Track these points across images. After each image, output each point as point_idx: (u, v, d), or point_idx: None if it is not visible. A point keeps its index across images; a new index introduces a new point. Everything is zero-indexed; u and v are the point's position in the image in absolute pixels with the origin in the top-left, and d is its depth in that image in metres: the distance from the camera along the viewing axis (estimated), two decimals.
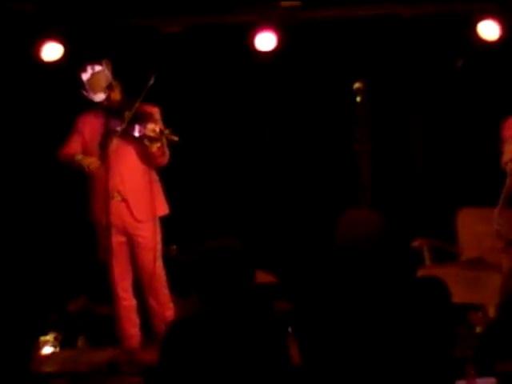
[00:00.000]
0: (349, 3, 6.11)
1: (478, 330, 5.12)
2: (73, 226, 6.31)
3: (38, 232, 6.37)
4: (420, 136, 6.66)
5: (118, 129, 5.10)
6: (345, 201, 5.94)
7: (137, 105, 5.08)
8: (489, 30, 5.92)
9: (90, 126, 5.21)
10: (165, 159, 5.22)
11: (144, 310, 5.31)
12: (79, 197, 5.40)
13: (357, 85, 5.97)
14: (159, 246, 5.27)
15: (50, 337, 5.44)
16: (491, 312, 5.32)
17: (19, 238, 6.19)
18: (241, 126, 6.66)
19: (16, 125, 6.34)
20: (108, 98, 5.11)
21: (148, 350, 4.99)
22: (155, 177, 5.28)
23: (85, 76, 5.17)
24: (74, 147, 5.24)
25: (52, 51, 6.09)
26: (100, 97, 5.12)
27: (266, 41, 6.10)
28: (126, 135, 5.12)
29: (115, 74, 5.20)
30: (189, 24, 6.21)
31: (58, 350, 5.40)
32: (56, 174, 6.23)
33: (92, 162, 5.09)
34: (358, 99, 5.97)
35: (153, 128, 5.05)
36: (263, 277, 5.86)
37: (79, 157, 5.15)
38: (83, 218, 5.38)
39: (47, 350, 5.37)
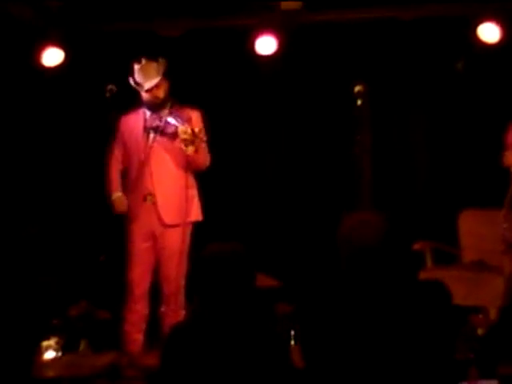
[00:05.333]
0: (349, 6, 6.11)
1: (480, 332, 5.11)
2: (74, 231, 6.32)
3: (39, 237, 6.37)
4: (421, 138, 6.66)
5: (154, 125, 5.09)
6: (346, 204, 5.94)
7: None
8: (489, 32, 5.92)
9: (129, 126, 5.18)
10: (204, 162, 5.17)
11: (150, 314, 5.28)
12: (81, 202, 5.41)
13: (357, 88, 5.94)
14: (185, 253, 5.17)
15: (51, 341, 5.44)
16: (493, 314, 5.31)
17: (21, 243, 6.19)
18: (241, 130, 6.66)
19: (17, 130, 6.34)
20: (151, 94, 5.09)
21: (151, 354, 4.98)
22: (192, 181, 5.20)
23: (137, 65, 5.14)
24: (117, 160, 5.22)
25: (53, 56, 6.09)
26: (148, 85, 5.08)
27: (266, 44, 6.09)
28: (162, 133, 5.09)
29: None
30: (188, 28, 6.21)
31: (59, 354, 5.40)
32: (56, 179, 6.25)
33: (122, 207, 5.14)
34: (359, 102, 5.95)
35: (184, 130, 4.98)
36: (265, 280, 5.86)
37: (115, 196, 5.17)
38: (84, 223, 5.38)
39: (49, 354, 5.37)
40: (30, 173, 6.38)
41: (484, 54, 6.07)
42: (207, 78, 6.54)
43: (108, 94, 5.07)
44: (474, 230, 5.89)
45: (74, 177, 6.38)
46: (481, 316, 5.37)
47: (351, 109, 6.14)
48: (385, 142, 6.53)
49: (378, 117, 6.42)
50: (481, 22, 5.92)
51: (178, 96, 6.43)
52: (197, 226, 6.45)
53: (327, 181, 6.58)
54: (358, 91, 5.80)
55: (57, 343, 5.43)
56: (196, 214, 5.25)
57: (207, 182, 6.60)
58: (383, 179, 6.41)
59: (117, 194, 5.18)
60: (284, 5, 6.11)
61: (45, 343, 5.40)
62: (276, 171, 6.70)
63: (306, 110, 6.64)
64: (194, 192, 5.22)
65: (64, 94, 6.35)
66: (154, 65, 5.12)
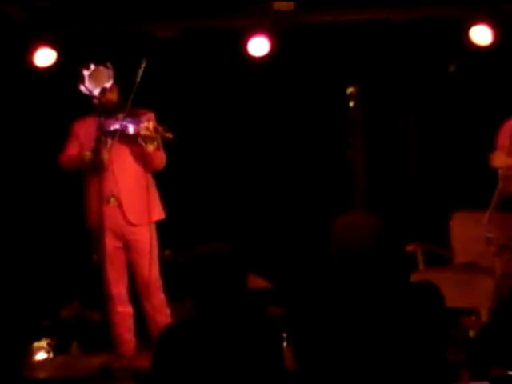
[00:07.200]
0: (342, 8, 6.11)
1: (471, 333, 5.13)
2: (66, 232, 6.31)
3: (31, 238, 6.36)
4: (413, 140, 6.67)
5: (112, 128, 5.08)
6: (338, 206, 5.95)
7: (131, 99, 5.04)
8: (481, 34, 5.93)
9: (85, 130, 5.18)
10: (162, 162, 5.19)
11: (139, 315, 5.29)
12: (74, 202, 5.39)
13: (350, 89, 5.96)
14: (155, 251, 5.23)
15: (43, 343, 5.44)
16: (484, 316, 5.33)
17: (12, 245, 6.18)
18: (234, 131, 6.66)
19: (8, 130, 6.33)
20: (104, 99, 5.09)
21: (143, 356, 4.98)
22: (151, 181, 5.24)
23: (87, 71, 5.14)
24: (74, 152, 5.22)
25: (45, 57, 6.08)
26: (98, 91, 5.08)
27: (259, 46, 6.10)
28: (121, 136, 5.09)
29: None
30: (182, 29, 6.21)
31: (51, 355, 5.40)
32: (49, 179, 6.23)
33: (103, 155, 5.03)
34: (352, 104, 5.96)
35: (146, 126, 4.99)
36: (257, 281, 5.86)
37: (88, 153, 5.09)
38: (76, 223, 5.36)
39: (40, 355, 5.37)
40: (22, 173, 6.37)
41: (476, 56, 6.08)
42: (200, 79, 6.54)
43: (143, 67, 5.05)
44: (466, 231, 5.90)
45: (65, 177, 6.37)
46: (472, 318, 5.38)
47: (344, 110, 6.15)
48: (377, 143, 6.54)
49: (370, 118, 6.43)
50: (473, 24, 5.93)
51: (170, 97, 6.44)
52: (188, 226, 6.47)
53: (320, 182, 6.59)
54: (351, 93, 5.81)
55: (48, 344, 5.43)
56: (159, 212, 5.27)
57: (200, 182, 6.63)
58: (376, 181, 6.42)
59: (87, 152, 5.10)
60: (276, 6, 6.12)
61: (36, 344, 5.40)
62: (269, 172, 6.70)
63: (298, 112, 6.64)
64: (154, 191, 5.25)
65: (56, 95, 6.34)
66: (103, 69, 5.14)
